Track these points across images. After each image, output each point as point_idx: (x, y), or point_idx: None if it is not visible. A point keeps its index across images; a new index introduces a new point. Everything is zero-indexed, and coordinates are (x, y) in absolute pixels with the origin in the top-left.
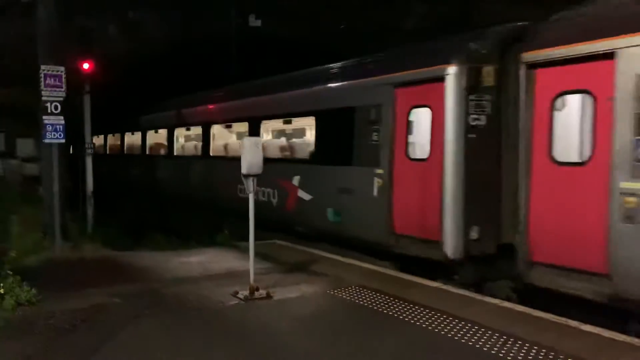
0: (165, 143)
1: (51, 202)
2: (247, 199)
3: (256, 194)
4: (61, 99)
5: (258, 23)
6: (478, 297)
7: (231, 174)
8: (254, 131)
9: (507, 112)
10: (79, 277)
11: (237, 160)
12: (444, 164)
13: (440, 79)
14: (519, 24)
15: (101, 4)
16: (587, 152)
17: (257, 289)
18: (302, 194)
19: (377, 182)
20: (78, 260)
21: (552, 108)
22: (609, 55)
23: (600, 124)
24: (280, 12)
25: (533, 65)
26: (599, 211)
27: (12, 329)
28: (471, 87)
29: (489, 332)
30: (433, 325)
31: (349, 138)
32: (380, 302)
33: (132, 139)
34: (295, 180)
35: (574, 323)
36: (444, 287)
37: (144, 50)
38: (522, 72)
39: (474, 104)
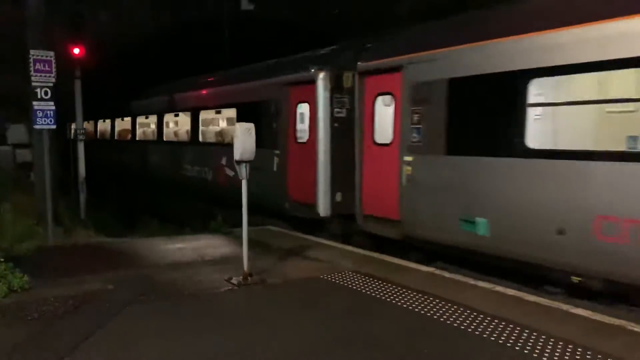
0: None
1: (43, 188)
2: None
3: (196, 172)
4: (51, 84)
5: (251, 7)
6: (470, 281)
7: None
8: (195, 120)
9: (356, 107)
10: (72, 263)
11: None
12: (317, 146)
13: (314, 81)
14: (366, 40)
15: None
16: (390, 137)
17: (251, 275)
18: (228, 171)
19: (276, 160)
20: (71, 246)
21: (374, 105)
22: (400, 68)
23: (396, 117)
24: None
25: (363, 73)
26: (395, 177)
27: (4, 316)
28: (335, 88)
29: (481, 315)
30: (425, 309)
31: (258, 126)
32: (373, 287)
33: (119, 124)
34: (223, 160)
35: (564, 307)
36: (437, 272)
37: (134, 34)
38: (357, 78)
39: (337, 101)
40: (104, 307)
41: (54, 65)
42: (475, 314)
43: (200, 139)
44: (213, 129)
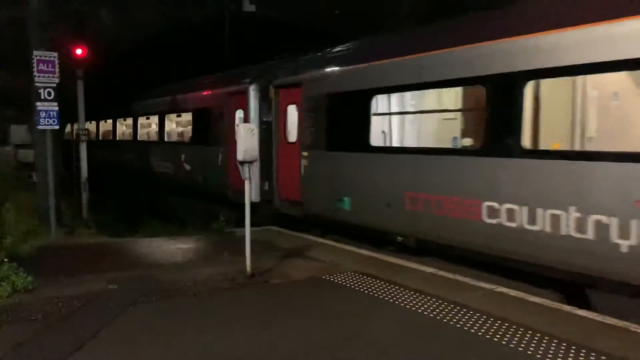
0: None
1: (46, 188)
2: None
3: (161, 167)
4: (54, 84)
5: (252, 8)
6: (471, 282)
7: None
8: (162, 123)
9: (273, 113)
10: (75, 263)
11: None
12: None
13: (247, 92)
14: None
15: None
16: (295, 136)
17: (254, 275)
18: (186, 166)
19: (220, 156)
20: (74, 246)
21: (286, 112)
22: (300, 84)
23: (299, 121)
24: None
25: (278, 87)
26: (298, 168)
27: (8, 316)
28: (262, 98)
29: (484, 316)
30: (428, 310)
31: (209, 128)
32: (376, 287)
33: (119, 125)
34: (182, 156)
35: (566, 308)
36: (439, 272)
37: (136, 35)
38: (273, 90)
39: (264, 108)
40: (108, 307)
41: (57, 65)
42: (477, 314)
43: (165, 139)
44: (176, 130)
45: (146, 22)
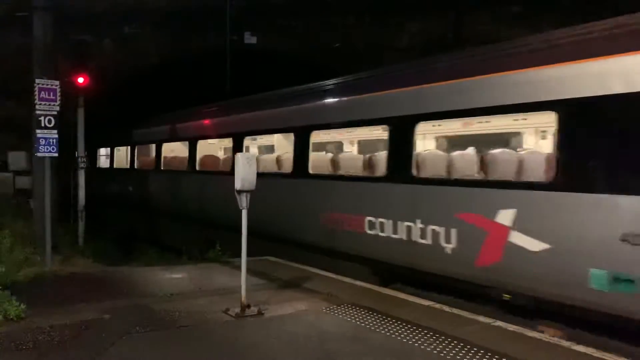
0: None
1: (42, 215)
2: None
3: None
4: (55, 112)
5: (253, 40)
6: (470, 315)
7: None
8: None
9: None
10: (69, 292)
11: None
12: None
13: None
14: None
15: (97, 19)
16: None
17: (249, 306)
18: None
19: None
20: (69, 275)
21: None
22: None
23: None
24: (276, 30)
25: None
26: None
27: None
28: None
29: (481, 351)
30: (425, 344)
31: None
32: (373, 321)
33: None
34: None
35: (565, 343)
36: (437, 305)
37: (138, 65)
38: None
39: None
40: (100, 337)
41: (58, 93)
42: (475, 349)
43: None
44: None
45: (147, 53)
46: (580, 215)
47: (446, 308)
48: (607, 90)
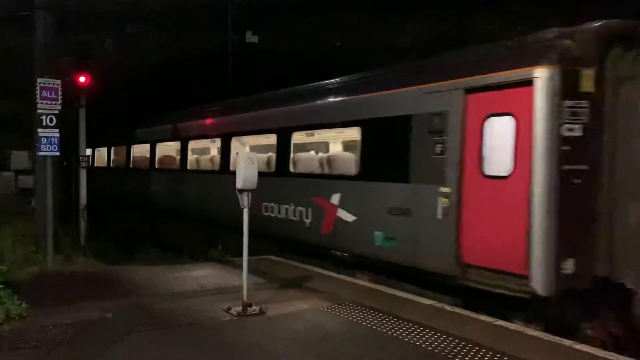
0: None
1: (44, 215)
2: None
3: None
4: (57, 111)
5: (255, 39)
6: (472, 315)
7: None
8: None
9: None
10: (70, 291)
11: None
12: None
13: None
14: None
15: (98, 19)
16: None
17: (250, 305)
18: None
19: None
20: (70, 273)
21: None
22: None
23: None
24: (278, 29)
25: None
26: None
27: (1, 343)
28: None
29: (483, 350)
30: (427, 342)
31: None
32: (375, 320)
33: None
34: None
35: (566, 342)
36: (438, 305)
37: (138, 64)
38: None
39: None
40: (102, 336)
41: (60, 93)
42: (476, 348)
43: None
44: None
45: (149, 52)
46: (370, 195)
47: (447, 307)
48: (375, 114)
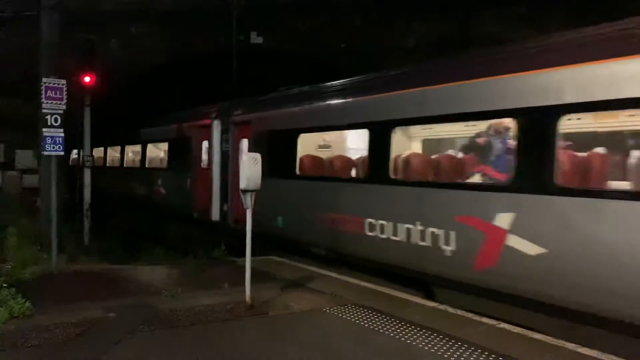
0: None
1: (49, 214)
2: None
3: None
4: (61, 111)
5: (260, 40)
6: (474, 317)
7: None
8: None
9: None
10: (74, 290)
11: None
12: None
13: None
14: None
15: (103, 19)
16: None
17: (253, 306)
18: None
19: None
20: (74, 273)
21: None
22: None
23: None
24: (282, 30)
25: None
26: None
27: (4, 342)
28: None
29: (485, 353)
30: (430, 344)
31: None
32: (377, 321)
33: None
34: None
35: (570, 346)
36: (441, 306)
37: (144, 64)
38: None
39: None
40: (105, 336)
41: (65, 92)
42: (479, 350)
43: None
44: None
45: (154, 51)
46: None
47: (450, 309)
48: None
